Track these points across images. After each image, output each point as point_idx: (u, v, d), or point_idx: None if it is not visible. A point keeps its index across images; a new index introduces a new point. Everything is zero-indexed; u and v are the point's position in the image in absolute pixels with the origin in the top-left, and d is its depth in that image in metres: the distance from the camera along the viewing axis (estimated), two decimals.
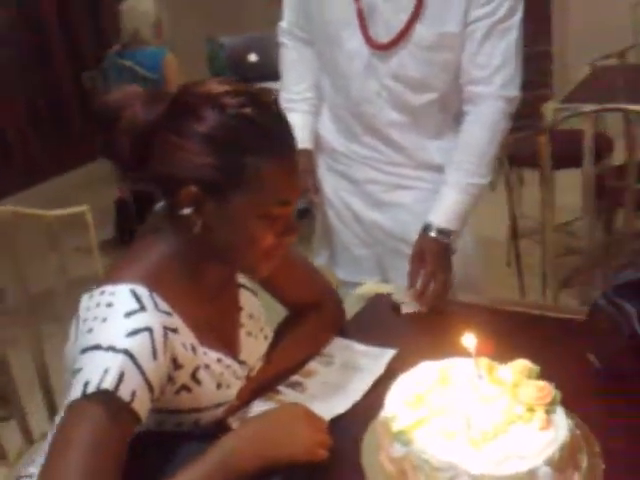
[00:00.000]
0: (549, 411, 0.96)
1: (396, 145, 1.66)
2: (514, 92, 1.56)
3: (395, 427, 0.97)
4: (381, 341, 1.31)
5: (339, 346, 1.31)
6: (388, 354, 1.26)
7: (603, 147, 2.79)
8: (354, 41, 1.58)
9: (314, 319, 1.30)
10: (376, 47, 1.56)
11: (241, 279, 1.20)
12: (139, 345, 0.92)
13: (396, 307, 1.47)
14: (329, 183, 1.78)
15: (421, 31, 1.52)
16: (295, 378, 1.22)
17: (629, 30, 3.57)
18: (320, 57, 1.71)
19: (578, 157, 2.00)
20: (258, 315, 1.20)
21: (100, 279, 1.03)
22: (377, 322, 1.44)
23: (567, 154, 2.14)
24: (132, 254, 1.05)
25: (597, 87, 2.97)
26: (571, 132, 2.17)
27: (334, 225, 1.81)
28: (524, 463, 0.89)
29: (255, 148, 0.98)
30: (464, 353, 1.07)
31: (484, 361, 1.04)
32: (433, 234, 1.54)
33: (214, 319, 1.10)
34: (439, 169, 1.63)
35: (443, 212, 1.57)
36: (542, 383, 0.99)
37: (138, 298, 0.96)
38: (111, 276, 1.01)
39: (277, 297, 1.30)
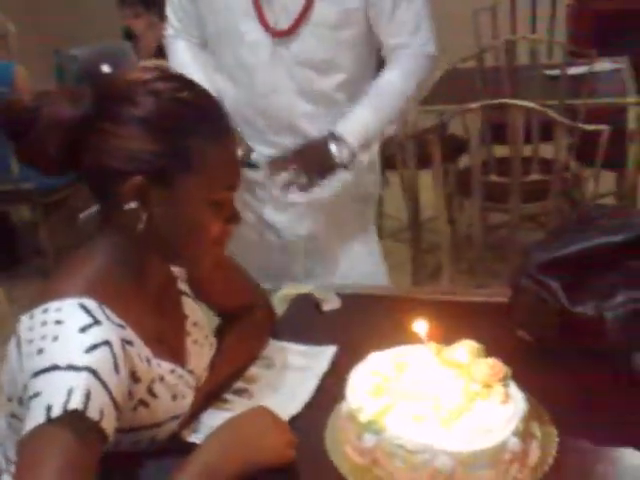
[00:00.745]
0: (505, 385, 1.01)
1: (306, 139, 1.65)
2: (433, 50, 1.63)
3: (363, 417, 0.98)
4: (315, 340, 1.32)
5: (276, 348, 1.30)
6: (329, 351, 1.27)
7: (460, 146, 2.96)
8: (254, 32, 1.57)
9: (249, 323, 1.28)
10: (278, 34, 1.55)
11: (182, 286, 1.17)
12: (100, 360, 0.88)
13: (318, 305, 1.48)
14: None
15: (322, 10, 1.53)
16: (239, 385, 1.20)
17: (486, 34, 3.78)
18: (218, 56, 1.67)
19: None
20: (202, 323, 1.18)
21: (36, 298, 0.96)
22: (306, 322, 1.45)
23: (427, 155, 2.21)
24: (69, 267, 1.00)
25: (455, 88, 3.13)
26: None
27: (248, 240, 1.78)
28: (495, 436, 0.93)
29: (198, 131, 0.97)
30: (406, 341, 1.11)
31: (434, 345, 1.08)
32: (331, 143, 1.58)
33: (162, 329, 1.06)
34: None
35: (349, 123, 1.60)
36: (492, 360, 1.04)
37: (89, 311, 0.91)
38: (51, 292, 0.95)
39: (210, 303, 1.28)
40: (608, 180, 3.06)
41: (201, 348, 1.15)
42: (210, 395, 1.14)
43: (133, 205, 0.96)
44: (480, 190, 1.98)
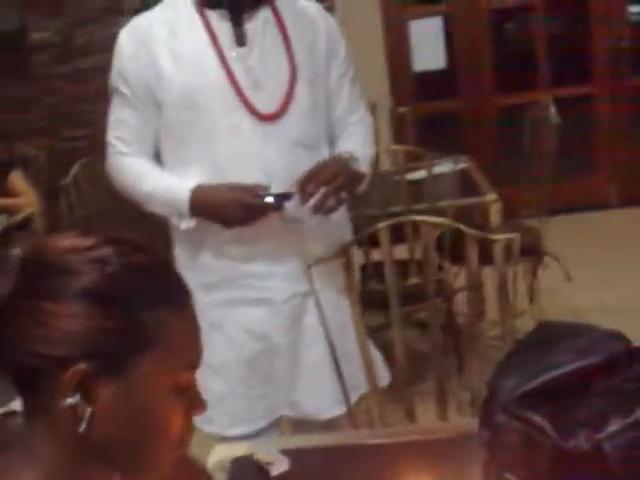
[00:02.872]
0: None
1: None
2: (370, 118, 1.89)
3: None
4: None
5: None
6: None
7: None
8: (245, 121, 1.61)
9: None
10: (268, 118, 1.61)
11: None
12: None
13: (264, 470, 1.30)
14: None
15: (301, 90, 1.64)
16: None
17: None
18: (197, 159, 1.66)
19: None
20: None
21: None
22: None
23: None
24: None
25: None
26: None
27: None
28: None
29: (152, 301, 0.79)
30: None
31: None
32: (348, 160, 1.67)
33: None
34: None
35: (349, 146, 1.74)
36: None
37: None
38: None
39: None
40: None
41: None
42: None
43: (72, 400, 0.76)
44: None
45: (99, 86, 4.79)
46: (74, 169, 3.40)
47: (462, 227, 1.60)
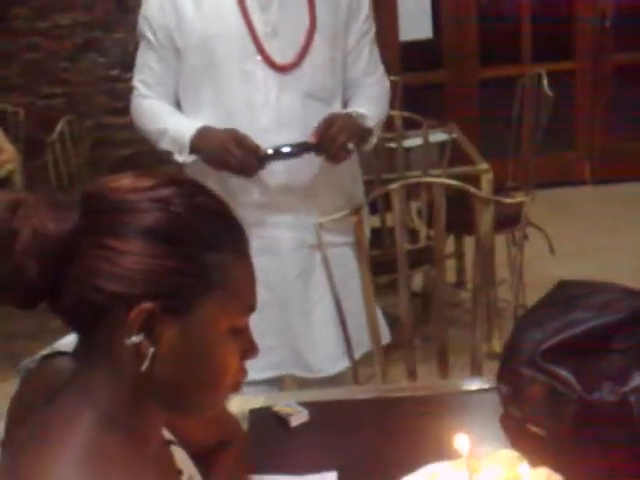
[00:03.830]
0: None
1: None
2: (388, 81, 1.90)
3: None
4: (303, 467, 1.15)
5: None
6: (329, 479, 1.11)
7: None
8: (260, 70, 1.64)
9: (229, 465, 1.09)
10: (284, 68, 1.63)
11: (166, 434, 0.95)
12: None
13: (283, 421, 1.31)
14: None
15: (318, 44, 1.65)
16: None
17: None
18: (209, 102, 1.69)
19: None
20: (196, 475, 0.97)
21: None
22: (279, 444, 1.27)
23: None
24: (45, 441, 0.76)
25: None
26: None
27: None
28: None
29: (218, 243, 0.79)
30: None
31: (472, 462, 0.97)
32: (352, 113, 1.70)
33: None
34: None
35: (358, 108, 1.74)
36: (544, 470, 0.95)
37: None
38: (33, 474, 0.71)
39: (184, 442, 1.06)
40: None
41: None
42: None
43: (136, 339, 0.76)
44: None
45: (76, 43, 4.73)
46: (59, 126, 3.34)
47: (473, 189, 1.62)
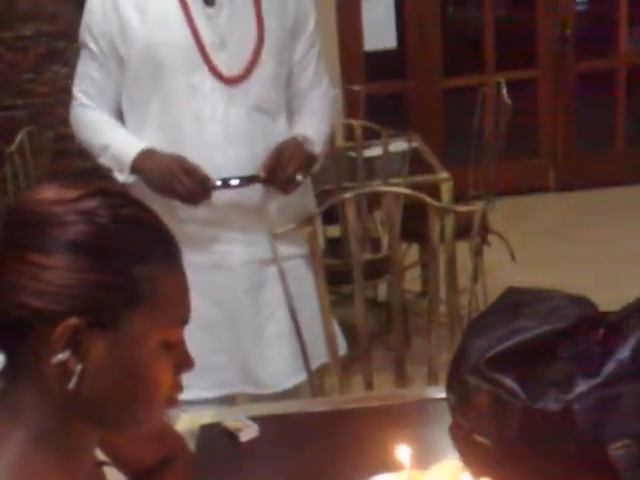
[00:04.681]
0: None
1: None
2: (332, 90, 1.91)
3: None
4: None
5: None
6: None
7: None
8: (208, 82, 1.62)
9: (173, 479, 1.07)
10: (232, 81, 1.63)
11: (100, 455, 0.93)
12: None
13: (233, 436, 1.29)
14: None
15: (266, 55, 1.64)
16: None
17: None
18: (153, 116, 1.67)
19: None
20: None
21: None
22: (229, 462, 1.25)
23: None
24: None
25: None
26: None
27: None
28: None
29: (144, 255, 0.77)
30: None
31: (415, 473, 0.96)
32: (302, 142, 1.68)
33: None
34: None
35: (303, 130, 1.74)
36: None
37: None
38: None
39: (121, 463, 1.04)
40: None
41: None
42: None
43: (62, 356, 0.74)
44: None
45: (40, 54, 4.68)
46: (19, 136, 3.30)
47: (427, 198, 1.62)
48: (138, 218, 0.79)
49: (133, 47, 1.64)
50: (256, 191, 1.69)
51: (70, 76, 4.65)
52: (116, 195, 0.80)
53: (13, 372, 0.78)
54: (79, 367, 0.75)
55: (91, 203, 0.77)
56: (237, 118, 1.64)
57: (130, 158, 1.65)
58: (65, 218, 0.75)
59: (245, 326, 1.75)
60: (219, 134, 1.64)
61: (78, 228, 0.75)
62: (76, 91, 1.75)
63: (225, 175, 1.64)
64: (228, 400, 1.80)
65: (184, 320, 0.82)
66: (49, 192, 0.78)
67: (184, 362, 0.83)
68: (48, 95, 4.53)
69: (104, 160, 1.71)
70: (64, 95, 4.49)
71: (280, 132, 1.73)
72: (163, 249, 0.80)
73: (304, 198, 1.82)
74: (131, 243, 0.77)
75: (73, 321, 0.73)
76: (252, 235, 1.72)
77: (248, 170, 1.66)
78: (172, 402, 0.84)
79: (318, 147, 1.76)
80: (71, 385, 0.75)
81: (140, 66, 1.65)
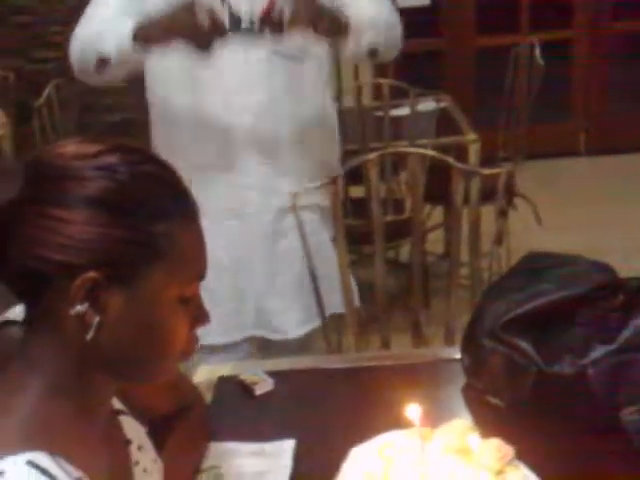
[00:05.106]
0: (516, 468, 0.92)
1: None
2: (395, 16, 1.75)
3: None
4: (264, 434, 1.15)
5: (222, 452, 1.11)
6: (287, 446, 1.11)
7: None
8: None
9: (184, 430, 1.09)
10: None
11: (116, 404, 0.95)
12: None
13: (248, 389, 1.31)
14: None
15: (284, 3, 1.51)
16: None
17: None
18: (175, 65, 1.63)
19: None
20: (147, 444, 0.96)
21: None
22: (242, 412, 1.27)
23: None
24: None
25: None
26: None
27: None
28: None
29: (163, 211, 0.77)
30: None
31: (424, 431, 0.97)
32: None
33: (112, 465, 0.85)
34: None
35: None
36: (496, 441, 0.95)
37: (44, 470, 0.69)
38: None
39: (137, 409, 1.06)
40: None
41: (151, 477, 0.94)
42: None
43: (81, 308, 0.75)
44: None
45: (71, 7, 4.66)
46: (47, 90, 3.30)
47: (451, 160, 1.60)
48: (157, 174, 0.79)
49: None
50: (272, 131, 1.68)
51: None
52: (136, 151, 0.80)
53: (32, 323, 0.80)
54: (97, 319, 0.76)
55: (110, 159, 0.77)
56: (256, 62, 1.64)
57: (130, 25, 1.57)
58: (85, 173, 0.76)
59: (260, 273, 1.76)
60: (239, 79, 1.64)
61: (98, 184, 0.75)
62: (76, 30, 1.67)
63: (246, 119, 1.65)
64: (244, 348, 1.81)
65: (201, 275, 0.83)
66: (70, 147, 0.79)
67: (200, 316, 0.84)
68: None
69: (100, 46, 1.61)
70: None
71: (306, 76, 1.70)
72: (181, 205, 0.80)
73: (326, 150, 1.79)
74: (150, 199, 0.77)
75: (92, 274, 0.74)
76: (269, 182, 1.71)
77: (267, 118, 1.66)
78: (187, 354, 0.85)
79: (358, 23, 1.61)
80: (89, 336, 0.76)
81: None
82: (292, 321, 1.75)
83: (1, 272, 0.77)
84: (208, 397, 1.28)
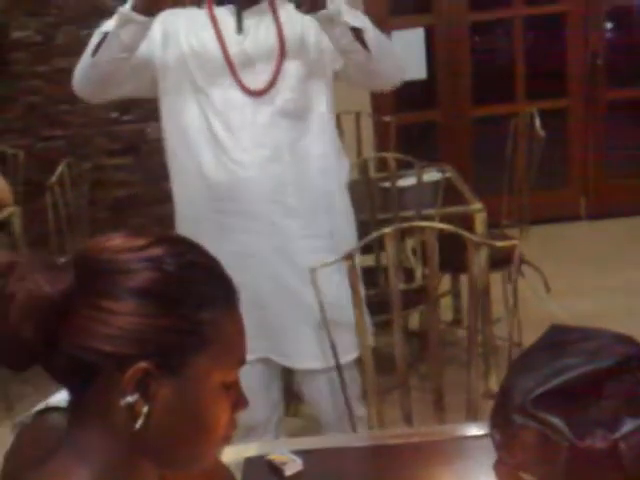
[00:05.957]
0: None
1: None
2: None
3: None
4: None
5: None
6: None
7: None
8: (235, 95, 1.78)
9: None
10: (258, 94, 1.78)
11: None
12: None
13: (278, 470, 1.31)
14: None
15: (291, 65, 1.78)
16: None
17: None
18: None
19: None
20: None
21: None
22: None
23: None
24: None
25: None
26: None
27: None
28: None
29: (208, 299, 0.81)
30: None
31: None
32: None
33: None
34: None
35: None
36: None
37: None
38: None
39: None
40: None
41: None
42: None
43: (131, 399, 0.77)
44: None
45: None
46: (60, 168, 3.37)
47: (466, 234, 1.64)
48: (201, 264, 0.83)
49: (175, 57, 1.81)
50: (280, 180, 1.83)
51: (104, 106, 4.75)
52: (180, 242, 0.84)
53: (79, 412, 0.81)
54: (146, 408, 0.77)
55: (157, 251, 0.80)
56: (263, 124, 1.80)
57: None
58: (133, 265, 0.79)
59: (270, 308, 1.87)
60: (248, 139, 1.80)
61: (146, 275, 0.78)
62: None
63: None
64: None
65: (242, 360, 0.85)
66: (117, 240, 0.82)
67: (240, 401, 0.86)
68: (84, 126, 4.64)
69: (105, 27, 1.73)
70: (101, 125, 4.63)
71: (308, 129, 1.85)
72: (224, 292, 0.83)
73: (335, 204, 1.93)
74: (196, 289, 0.80)
75: (143, 365, 0.76)
76: (279, 227, 1.85)
77: (273, 168, 1.81)
78: (228, 440, 0.86)
79: (349, 12, 1.72)
80: (138, 425, 0.77)
81: (178, 80, 1.82)
82: (307, 353, 1.85)
83: (48, 362, 0.79)
84: (237, 478, 1.28)
